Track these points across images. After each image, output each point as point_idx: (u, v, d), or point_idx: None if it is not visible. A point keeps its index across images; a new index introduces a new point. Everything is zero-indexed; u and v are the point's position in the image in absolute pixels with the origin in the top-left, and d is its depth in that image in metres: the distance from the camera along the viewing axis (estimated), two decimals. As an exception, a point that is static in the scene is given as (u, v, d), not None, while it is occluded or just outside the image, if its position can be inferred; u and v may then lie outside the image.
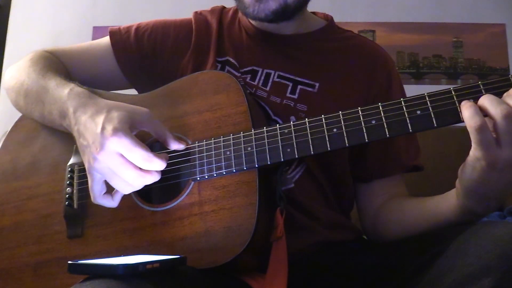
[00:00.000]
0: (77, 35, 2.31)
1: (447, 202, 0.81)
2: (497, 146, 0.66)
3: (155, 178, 0.79)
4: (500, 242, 0.62)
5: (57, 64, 1.02)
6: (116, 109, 0.80)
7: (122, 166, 0.76)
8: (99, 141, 0.76)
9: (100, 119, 0.78)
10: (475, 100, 0.68)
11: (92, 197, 0.81)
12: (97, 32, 2.34)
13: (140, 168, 0.77)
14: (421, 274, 0.70)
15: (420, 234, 0.83)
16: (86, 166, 0.80)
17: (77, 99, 0.84)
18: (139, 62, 1.06)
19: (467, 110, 0.66)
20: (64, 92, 0.86)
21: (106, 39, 1.08)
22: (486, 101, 0.66)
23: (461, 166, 0.73)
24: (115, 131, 0.75)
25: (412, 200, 0.95)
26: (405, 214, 0.92)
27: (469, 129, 0.66)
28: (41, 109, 0.91)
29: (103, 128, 0.76)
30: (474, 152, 0.68)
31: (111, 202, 0.82)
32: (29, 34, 2.36)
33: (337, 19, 1.12)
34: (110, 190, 0.82)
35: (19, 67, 1.00)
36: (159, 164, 0.77)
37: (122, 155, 0.76)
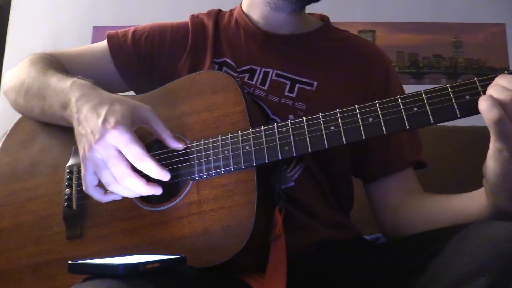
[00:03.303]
0: (77, 35, 2.31)
1: (476, 202, 0.79)
2: None
3: (142, 184, 0.77)
4: (496, 241, 0.61)
5: (57, 64, 1.02)
6: (119, 102, 0.80)
7: (114, 160, 0.75)
8: (98, 131, 0.76)
9: (103, 110, 0.78)
10: (471, 96, 0.68)
11: (83, 186, 0.81)
12: (97, 32, 2.34)
13: (131, 169, 0.76)
14: (418, 274, 0.70)
15: (417, 233, 0.82)
16: (81, 154, 0.79)
17: (80, 89, 0.84)
18: (137, 64, 1.07)
19: (484, 102, 0.65)
20: (66, 84, 0.86)
21: (104, 43, 1.09)
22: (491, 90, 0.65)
23: (484, 163, 0.71)
24: (117, 124, 0.75)
25: (435, 198, 0.93)
26: (429, 212, 0.91)
27: (486, 121, 0.65)
28: (42, 104, 0.91)
29: (105, 120, 0.76)
30: (494, 144, 0.67)
31: (101, 197, 0.81)
32: (29, 34, 2.36)
33: (337, 19, 1.12)
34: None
35: (18, 68, 1.01)
36: (152, 166, 0.76)
37: (118, 150, 0.76)
